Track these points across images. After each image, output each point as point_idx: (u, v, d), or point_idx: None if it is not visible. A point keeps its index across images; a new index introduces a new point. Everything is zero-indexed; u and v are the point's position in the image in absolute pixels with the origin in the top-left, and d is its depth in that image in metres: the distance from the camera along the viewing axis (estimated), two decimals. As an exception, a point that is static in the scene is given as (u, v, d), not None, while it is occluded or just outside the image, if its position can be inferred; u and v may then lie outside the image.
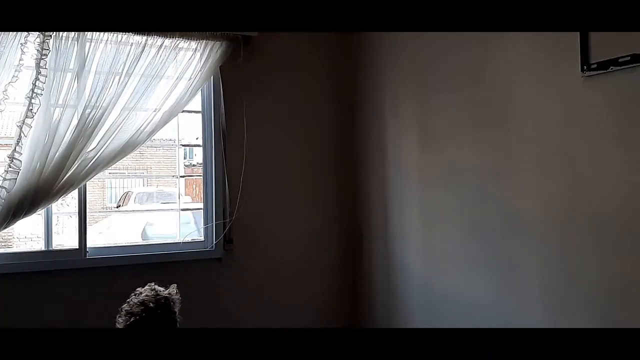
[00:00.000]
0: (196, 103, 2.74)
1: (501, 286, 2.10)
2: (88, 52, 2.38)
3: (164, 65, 2.51)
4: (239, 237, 2.75)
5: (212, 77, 2.69)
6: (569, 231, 1.84)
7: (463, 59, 2.26)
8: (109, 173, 4.29)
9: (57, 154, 2.28)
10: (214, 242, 2.72)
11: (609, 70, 1.66)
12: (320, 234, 2.94)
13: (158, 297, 1.74)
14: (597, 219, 1.74)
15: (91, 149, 2.36)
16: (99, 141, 2.37)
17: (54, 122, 2.30)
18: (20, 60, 2.22)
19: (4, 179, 2.19)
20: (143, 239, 5.42)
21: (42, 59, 2.25)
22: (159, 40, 2.49)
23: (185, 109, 2.62)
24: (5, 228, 2.23)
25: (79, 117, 2.34)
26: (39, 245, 3.15)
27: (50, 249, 2.42)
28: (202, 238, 2.77)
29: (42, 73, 2.24)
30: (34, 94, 2.23)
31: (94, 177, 2.41)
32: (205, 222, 2.75)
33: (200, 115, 2.76)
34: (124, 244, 3.06)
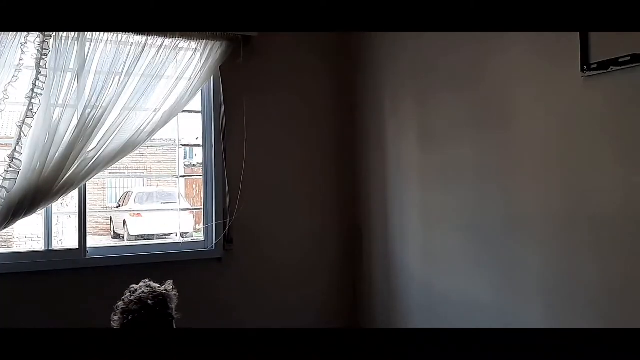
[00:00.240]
0: (196, 103, 2.74)
1: (501, 286, 2.09)
2: (88, 52, 2.38)
3: (164, 65, 2.51)
4: (239, 237, 2.75)
5: (212, 77, 2.69)
6: (569, 231, 1.84)
7: (463, 59, 2.26)
8: (109, 173, 4.30)
9: (57, 153, 2.28)
10: (214, 242, 2.72)
11: (609, 70, 1.66)
12: (320, 234, 2.94)
13: (155, 293, 1.69)
14: (597, 219, 1.74)
15: (91, 149, 2.36)
16: (99, 141, 2.37)
17: (54, 122, 2.30)
18: (20, 60, 2.22)
19: (4, 179, 2.19)
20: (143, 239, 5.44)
21: (42, 58, 2.25)
22: (159, 40, 2.48)
23: (185, 108, 2.62)
24: (5, 228, 2.23)
25: (79, 117, 2.34)
26: (39, 245, 3.16)
27: (50, 249, 2.42)
28: (202, 238, 2.77)
29: (42, 73, 2.24)
30: (34, 94, 2.23)
31: (94, 177, 2.41)
32: (205, 222, 2.75)
33: (200, 115, 2.76)
34: (124, 244, 3.06)
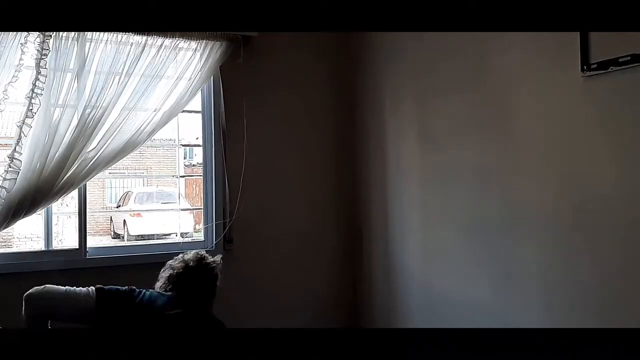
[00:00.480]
0: (196, 103, 2.74)
1: (501, 286, 2.09)
2: (88, 52, 2.38)
3: (164, 65, 2.51)
4: (239, 237, 2.75)
5: (212, 77, 2.69)
6: (568, 231, 1.84)
7: (463, 59, 2.26)
8: (109, 173, 4.30)
9: (57, 154, 2.28)
10: (214, 242, 2.72)
11: (609, 70, 1.66)
12: (320, 234, 2.94)
13: (200, 258, 1.96)
14: (597, 218, 1.74)
15: (91, 149, 2.36)
16: (99, 141, 2.37)
17: (54, 122, 2.29)
18: (20, 60, 2.21)
19: (4, 179, 2.19)
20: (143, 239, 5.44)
21: (42, 58, 2.24)
22: (159, 40, 2.48)
23: (185, 108, 2.62)
24: (5, 228, 2.23)
25: (79, 117, 2.34)
26: (39, 245, 3.16)
27: (50, 249, 2.43)
28: (202, 238, 2.77)
29: (42, 73, 2.24)
30: (34, 94, 2.22)
31: (94, 177, 2.41)
32: (205, 222, 2.75)
33: (200, 115, 2.76)
34: (124, 244, 3.06)
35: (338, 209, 2.98)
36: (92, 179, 2.42)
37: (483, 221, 2.17)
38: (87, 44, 2.38)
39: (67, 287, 1.83)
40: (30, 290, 1.80)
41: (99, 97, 2.36)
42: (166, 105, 2.52)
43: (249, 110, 2.74)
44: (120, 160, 2.46)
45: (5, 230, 2.28)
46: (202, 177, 2.78)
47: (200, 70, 2.59)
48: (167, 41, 2.51)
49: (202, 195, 2.79)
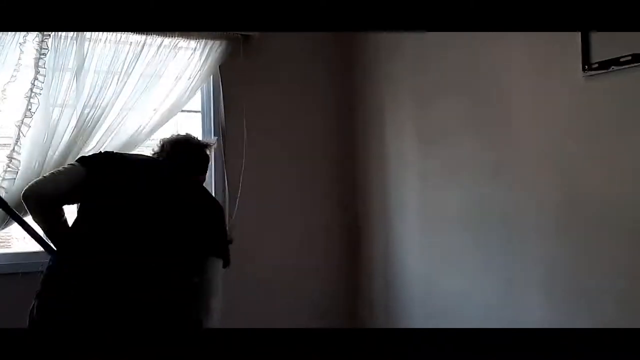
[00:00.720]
0: (195, 103, 2.73)
1: (501, 286, 2.09)
2: (87, 51, 2.37)
3: (163, 65, 2.50)
4: (239, 237, 2.74)
5: (211, 77, 2.68)
6: (569, 231, 1.84)
7: (463, 59, 2.25)
8: (108, 173, 4.24)
9: (56, 153, 2.27)
10: (214, 242, 2.71)
11: (610, 69, 1.66)
12: (320, 234, 2.93)
13: (189, 137, 2.03)
14: (597, 218, 1.74)
15: (90, 148, 2.35)
16: (98, 141, 2.36)
17: (52, 121, 2.29)
18: (18, 59, 2.21)
19: (3, 179, 2.18)
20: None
21: (41, 58, 2.24)
22: (158, 40, 2.48)
23: (184, 108, 2.62)
24: (4, 228, 2.23)
25: (77, 116, 2.33)
26: (38, 246, 3.14)
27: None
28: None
29: (40, 73, 2.23)
30: (33, 94, 2.22)
31: (93, 177, 2.40)
32: (205, 222, 2.75)
33: (199, 115, 2.76)
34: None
35: (338, 208, 2.97)
36: (91, 179, 2.41)
37: (483, 221, 2.17)
38: (86, 43, 2.37)
39: (50, 172, 1.83)
40: (23, 190, 1.77)
41: (97, 97, 2.36)
42: (165, 104, 2.51)
43: (248, 109, 2.74)
44: (120, 160, 2.45)
45: (4, 230, 2.28)
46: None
47: (200, 69, 2.58)
48: (167, 40, 2.50)
49: (201, 195, 2.78)
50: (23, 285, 2.31)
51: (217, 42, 2.62)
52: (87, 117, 2.33)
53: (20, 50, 2.21)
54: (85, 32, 2.35)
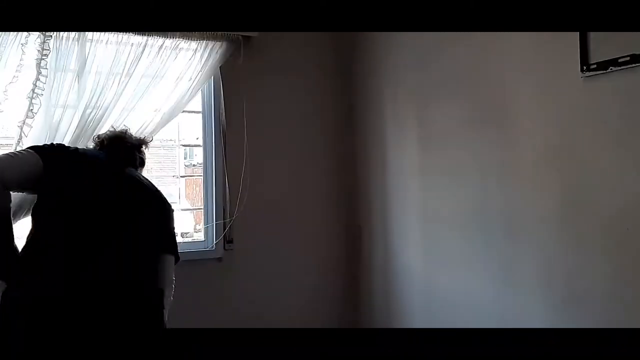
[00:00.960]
0: (196, 103, 2.74)
1: (501, 286, 2.10)
2: (88, 52, 2.38)
3: (165, 66, 2.51)
4: (239, 237, 2.75)
5: (212, 78, 2.69)
6: (569, 231, 1.84)
7: (463, 59, 2.26)
8: (109, 173, 4.24)
9: (58, 154, 2.28)
10: (214, 242, 2.72)
11: (609, 70, 1.66)
12: (320, 234, 2.94)
13: (126, 133, 1.99)
14: (597, 219, 1.74)
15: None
16: (100, 141, 2.37)
17: (54, 122, 2.30)
18: (20, 60, 2.21)
19: (5, 179, 2.19)
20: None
21: (43, 59, 2.25)
22: (159, 41, 2.49)
23: (185, 109, 2.63)
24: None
25: (79, 117, 2.34)
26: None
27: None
28: (202, 238, 2.77)
29: (42, 73, 2.24)
30: (35, 94, 2.23)
31: (95, 177, 2.41)
32: (206, 222, 2.76)
33: (200, 115, 2.77)
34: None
35: (338, 209, 2.98)
36: (92, 179, 2.42)
37: (483, 221, 2.17)
38: (88, 44, 2.38)
39: (6, 154, 1.71)
40: None
41: (99, 98, 2.37)
42: (166, 105, 2.52)
43: (249, 110, 2.75)
44: (121, 161, 2.46)
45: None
46: (202, 177, 2.78)
47: (201, 70, 2.59)
48: (168, 41, 2.51)
49: (202, 195, 2.79)
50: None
51: (218, 43, 2.63)
52: (88, 117, 2.34)
53: (22, 51, 2.22)
54: (86, 33, 2.36)
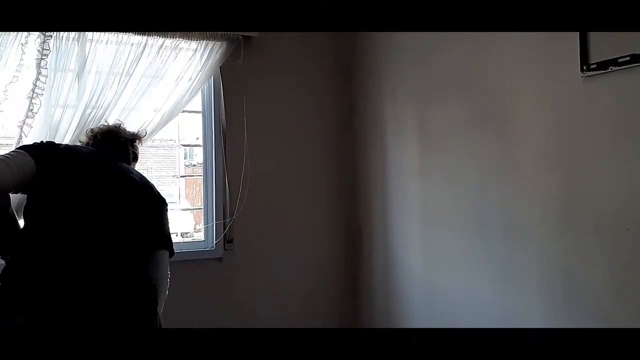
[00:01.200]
0: (196, 103, 2.74)
1: (501, 286, 2.10)
2: (88, 52, 2.38)
3: (165, 66, 2.51)
4: (239, 237, 2.75)
5: (212, 77, 2.69)
6: (569, 231, 1.84)
7: (463, 59, 2.26)
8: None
9: (58, 154, 2.28)
10: (214, 242, 2.72)
11: (609, 70, 1.66)
12: (320, 234, 2.94)
13: (119, 127, 1.97)
14: (596, 218, 1.74)
15: (92, 149, 2.36)
16: (100, 141, 2.37)
17: (54, 122, 2.30)
18: (20, 60, 2.22)
19: (5, 179, 2.19)
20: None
21: (43, 59, 2.25)
22: (159, 41, 2.49)
23: (185, 109, 2.63)
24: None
25: (79, 117, 2.34)
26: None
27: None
28: (202, 238, 2.77)
29: (42, 73, 2.24)
30: (35, 94, 2.23)
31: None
32: (206, 222, 2.76)
33: (200, 115, 2.77)
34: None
35: (338, 209, 2.98)
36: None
37: (483, 221, 2.17)
38: (88, 44, 2.38)
39: None
40: None
41: (99, 98, 2.37)
42: (166, 105, 2.52)
43: (249, 110, 2.75)
44: (121, 160, 2.46)
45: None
46: (202, 177, 2.78)
47: (201, 70, 2.59)
48: (168, 41, 2.51)
49: (202, 195, 2.79)
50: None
51: (218, 43, 2.63)
52: (88, 117, 2.34)
53: (22, 50, 2.23)
54: (86, 33, 2.36)
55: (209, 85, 2.73)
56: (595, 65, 1.70)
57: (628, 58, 1.60)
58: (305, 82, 2.92)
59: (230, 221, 2.72)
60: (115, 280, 1.65)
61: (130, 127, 2.43)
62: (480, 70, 2.17)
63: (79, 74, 2.37)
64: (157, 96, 2.51)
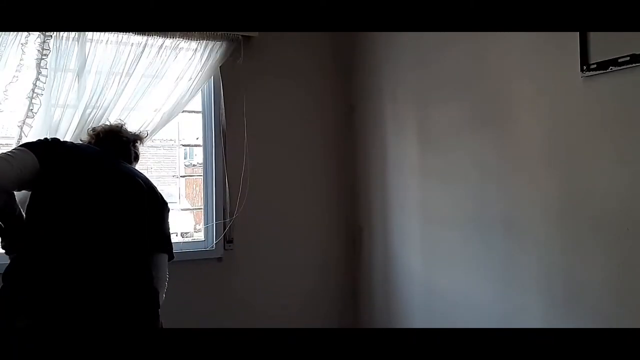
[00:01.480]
0: (196, 103, 2.74)
1: (501, 286, 2.10)
2: (88, 52, 2.38)
3: (165, 66, 2.51)
4: (239, 237, 2.75)
5: (212, 77, 2.69)
6: (568, 231, 1.84)
7: (463, 59, 2.26)
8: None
9: (58, 154, 2.28)
10: (214, 242, 2.72)
11: (609, 70, 1.66)
12: (320, 234, 2.94)
13: (121, 127, 1.97)
14: (596, 218, 1.74)
15: (92, 149, 2.36)
16: (100, 141, 2.37)
17: (54, 122, 2.30)
18: (20, 60, 2.22)
19: (5, 179, 2.19)
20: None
21: (43, 59, 2.25)
22: (159, 41, 2.49)
23: (185, 109, 2.63)
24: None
25: (79, 117, 2.34)
26: None
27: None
28: (202, 238, 2.77)
29: (42, 73, 2.24)
30: (35, 94, 2.23)
31: (95, 177, 2.41)
32: (206, 222, 2.76)
33: (200, 115, 2.77)
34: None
35: (338, 209, 2.98)
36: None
37: (483, 221, 2.17)
38: (88, 44, 2.38)
39: (1, 156, 1.63)
40: None
41: (99, 97, 2.37)
42: (166, 105, 2.52)
43: (249, 110, 2.75)
44: (121, 160, 2.46)
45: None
46: (202, 177, 2.78)
47: (201, 70, 2.59)
48: (168, 41, 2.51)
49: (202, 195, 2.79)
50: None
51: (218, 43, 2.63)
52: (88, 117, 2.34)
53: (22, 50, 2.23)
54: (86, 33, 2.36)
55: (209, 85, 2.73)
56: (595, 65, 1.70)
57: (628, 58, 1.60)
58: (305, 82, 2.92)
59: (230, 221, 2.72)
60: (118, 281, 1.65)
61: (130, 127, 2.44)
62: (480, 70, 2.17)
63: (79, 74, 2.37)
64: (157, 96, 2.51)
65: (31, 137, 2.22)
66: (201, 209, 2.79)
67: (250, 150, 2.74)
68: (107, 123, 2.08)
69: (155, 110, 2.50)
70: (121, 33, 2.41)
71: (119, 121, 2.05)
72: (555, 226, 1.89)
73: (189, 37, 2.55)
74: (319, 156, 2.95)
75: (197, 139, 2.84)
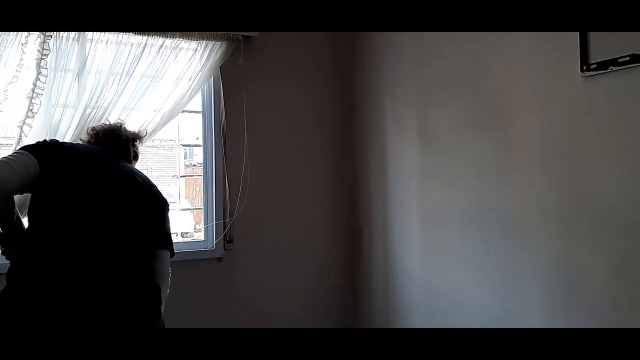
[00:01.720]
0: (196, 103, 2.74)
1: (501, 286, 2.10)
2: (88, 52, 2.38)
3: (165, 66, 2.51)
4: (239, 237, 2.75)
5: (212, 77, 2.69)
6: (568, 231, 1.84)
7: (463, 59, 2.26)
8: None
9: (58, 154, 2.28)
10: (214, 242, 2.72)
11: (609, 70, 1.66)
12: (320, 234, 2.94)
13: (116, 126, 1.96)
14: (596, 218, 1.74)
15: (92, 149, 2.36)
16: (100, 141, 2.37)
17: (54, 122, 2.30)
18: (20, 60, 2.22)
19: (5, 179, 2.19)
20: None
21: (43, 59, 2.25)
22: (159, 41, 2.49)
23: (185, 109, 2.63)
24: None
25: (79, 117, 2.34)
26: None
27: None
28: (202, 238, 2.77)
29: (42, 73, 2.24)
30: (35, 94, 2.23)
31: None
32: (206, 222, 2.76)
33: (200, 115, 2.77)
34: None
35: (338, 209, 2.98)
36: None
37: (483, 221, 2.17)
38: (88, 44, 2.38)
39: (2, 160, 1.62)
40: None
41: (99, 97, 2.37)
42: (166, 105, 2.52)
43: (249, 110, 2.75)
44: (121, 160, 2.46)
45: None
46: (202, 177, 2.78)
47: (201, 70, 2.59)
48: (168, 41, 2.51)
49: (202, 195, 2.79)
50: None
51: (218, 43, 2.63)
52: (88, 117, 2.34)
53: (22, 50, 2.23)
54: (86, 33, 2.36)
55: (209, 85, 2.73)
56: (595, 65, 1.70)
57: (628, 58, 1.60)
58: (305, 82, 2.92)
59: (230, 221, 2.72)
60: (119, 280, 1.65)
61: (130, 126, 2.44)
62: (480, 70, 2.17)
63: (79, 74, 2.37)
64: (157, 96, 2.51)
65: (31, 137, 2.23)
66: (201, 209, 2.79)
67: (250, 150, 2.74)
68: (107, 123, 2.08)
69: (155, 110, 2.50)
70: (121, 33, 2.41)
71: (119, 121, 2.05)
72: (555, 226, 1.89)
73: (189, 37, 2.55)
74: (319, 156, 2.95)
75: (197, 139, 2.84)
